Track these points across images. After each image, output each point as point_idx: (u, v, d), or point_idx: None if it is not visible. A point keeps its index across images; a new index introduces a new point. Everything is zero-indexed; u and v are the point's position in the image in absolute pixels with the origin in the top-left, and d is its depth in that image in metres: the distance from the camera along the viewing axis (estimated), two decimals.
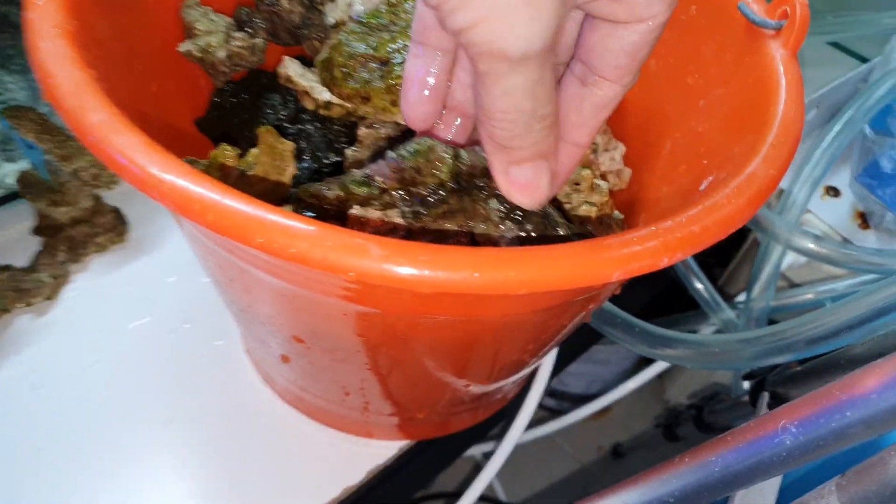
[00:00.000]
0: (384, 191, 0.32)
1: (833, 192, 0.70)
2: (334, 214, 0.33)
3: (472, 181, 0.33)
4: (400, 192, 0.32)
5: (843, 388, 0.22)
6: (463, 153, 0.32)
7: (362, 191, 0.32)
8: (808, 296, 0.58)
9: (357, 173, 0.32)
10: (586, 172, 0.39)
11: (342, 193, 0.32)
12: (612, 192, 0.47)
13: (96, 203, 0.54)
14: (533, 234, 0.33)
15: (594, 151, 0.45)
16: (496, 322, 0.31)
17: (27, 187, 0.50)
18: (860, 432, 0.22)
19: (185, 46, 0.40)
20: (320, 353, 0.35)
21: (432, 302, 0.27)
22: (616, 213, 0.41)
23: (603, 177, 0.45)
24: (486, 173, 0.33)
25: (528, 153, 0.27)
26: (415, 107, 0.32)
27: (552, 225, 0.33)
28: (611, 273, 0.24)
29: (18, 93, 0.54)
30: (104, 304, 0.52)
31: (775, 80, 0.34)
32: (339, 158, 0.41)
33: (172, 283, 0.55)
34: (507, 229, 0.33)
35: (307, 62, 0.42)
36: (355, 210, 0.32)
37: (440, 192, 0.31)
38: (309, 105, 0.40)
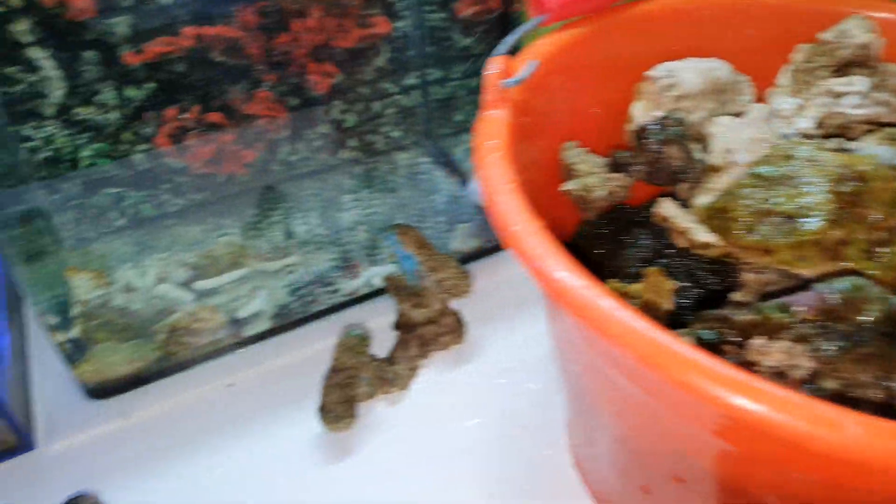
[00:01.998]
0: (803, 321, 0.31)
1: None
2: (734, 342, 0.33)
3: None
4: (819, 324, 0.31)
5: None
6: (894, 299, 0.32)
7: (779, 316, 0.32)
8: None
9: (772, 302, 0.33)
10: None
11: (755, 317, 0.32)
12: None
13: (443, 306, 0.60)
14: None
15: None
16: None
17: (395, 289, 0.57)
18: None
19: (569, 185, 0.44)
20: (698, 497, 0.35)
21: None
22: None
23: None
24: None
25: None
26: None
27: None
28: None
29: (381, 207, 0.62)
30: (444, 400, 0.57)
31: None
32: (708, 297, 0.42)
33: (501, 384, 0.59)
34: None
35: (676, 200, 0.44)
36: (757, 341, 0.32)
37: (866, 332, 0.31)
38: (681, 243, 0.42)
